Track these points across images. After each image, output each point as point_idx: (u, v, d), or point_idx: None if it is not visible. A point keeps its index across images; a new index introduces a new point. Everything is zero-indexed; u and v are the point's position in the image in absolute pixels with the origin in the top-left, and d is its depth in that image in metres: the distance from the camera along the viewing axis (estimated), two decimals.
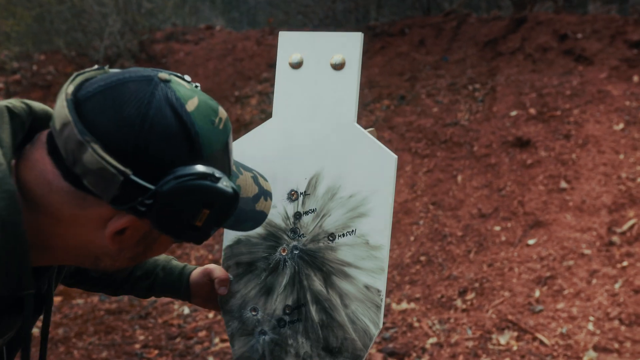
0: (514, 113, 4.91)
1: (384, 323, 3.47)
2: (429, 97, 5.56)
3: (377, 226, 1.21)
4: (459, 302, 3.52)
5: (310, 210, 1.28)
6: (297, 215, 1.29)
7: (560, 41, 5.50)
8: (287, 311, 1.28)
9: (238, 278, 1.33)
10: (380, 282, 1.19)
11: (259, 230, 1.32)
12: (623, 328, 3.15)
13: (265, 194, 1.05)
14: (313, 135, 1.30)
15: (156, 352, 3.35)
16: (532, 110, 4.81)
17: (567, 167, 4.26)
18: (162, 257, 1.42)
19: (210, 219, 0.89)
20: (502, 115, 4.96)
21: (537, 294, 3.46)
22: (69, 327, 3.62)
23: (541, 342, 3.11)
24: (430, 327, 3.34)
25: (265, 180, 1.08)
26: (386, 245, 1.20)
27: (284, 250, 1.29)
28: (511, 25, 5.89)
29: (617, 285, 3.39)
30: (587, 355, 3.01)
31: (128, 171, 0.81)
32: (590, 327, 3.20)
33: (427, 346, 3.21)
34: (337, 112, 1.28)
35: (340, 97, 1.27)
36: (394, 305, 3.55)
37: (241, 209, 1.00)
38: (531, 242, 3.87)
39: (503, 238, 3.96)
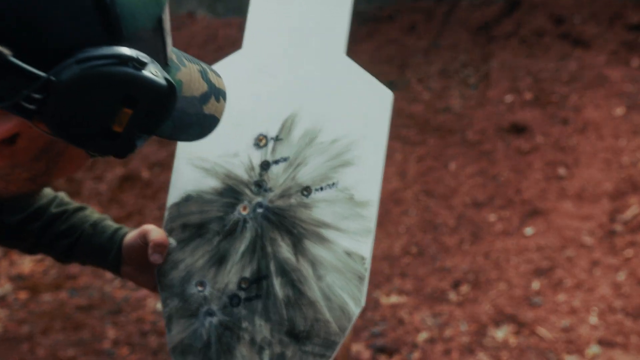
0: (509, 99, 4.86)
1: (374, 320, 3.22)
2: (420, 83, 5.49)
3: (365, 177, 0.97)
4: (452, 295, 3.33)
5: (282, 158, 1.04)
6: (265, 165, 1.04)
7: (557, 25, 5.49)
8: (243, 285, 1.01)
9: (183, 244, 1.07)
10: (366, 248, 0.95)
11: (215, 183, 1.06)
12: (628, 321, 2.96)
13: (217, 93, 0.82)
14: (291, 68, 1.07)
15: (127, 349, 3.09)
16: (528, 96, 4.77)
17: (565, 153, 4.17)
18: (96, 215, 1.15)
19: (134, 121, 0.67)
20: (496, 101, 4.92)
21: (535, 286, 3.27)
22: (35, 323, 3.33)
23: (541, 337, 2.88)
24: (422, 322, 3.11)
25: (218, 76, 0.84)
26: (375, 202, 0.96)
27: (244, 209, 1.04)
28: (505, 9, 5.87)
29: (620, 276, 3.23)
30: (590, 350, 2.78)
31: (6, 51, 0.59)
32: (593, 320, 3.01)
33: (419, 342, 2.97)
34: (323, 41, 1.06)
35: (328, 23, 1.06)
36: (383, 299, 3.32)
37: (183, 111, 0.76)
38: (529, 231, 3.72)
39: (499, 228, 3.80)
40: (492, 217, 3.84)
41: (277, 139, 1.07)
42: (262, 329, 1.01)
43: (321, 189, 1.02)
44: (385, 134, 1.02)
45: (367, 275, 0.97)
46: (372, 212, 0.98)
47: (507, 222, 3.78)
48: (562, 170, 4.14)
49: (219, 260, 1.06)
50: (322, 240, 1.00)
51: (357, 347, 2.94)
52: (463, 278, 3.42)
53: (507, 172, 4.16)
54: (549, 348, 2.86)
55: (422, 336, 3.04)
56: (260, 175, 1.07)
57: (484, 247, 3.66)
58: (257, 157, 1.08)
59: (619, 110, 4.49)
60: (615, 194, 3.77)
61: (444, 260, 3.63)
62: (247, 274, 1.04)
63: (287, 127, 1.07)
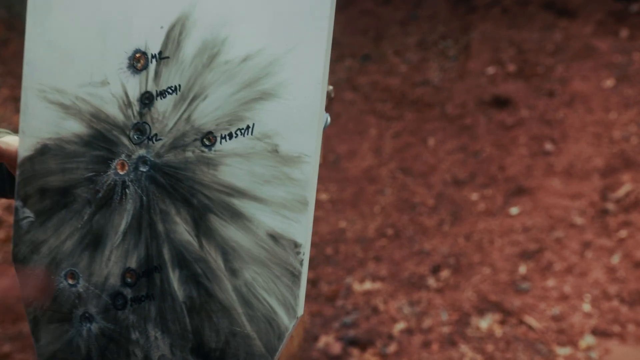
0: (490, 71, 4.57)
1: (345, 309, 2.97)
2: (397, 56, 5.17)
3: (296, 117, 0.62)
4: (431, 281, 3.10)
5: (170, 88, 0.68)
6: (146, 99, 0.69)
7: None
8: (129, 280, 0.69)
9: (43, 217, 0.74)
10: (300, 228, 0.62)
11: (79, 127, 0.72)
12: (624, 308, 2.76)
13: None
14: None
15: None
16: (511, 68, 4.49)
17: (552, 127, 3.91)
18: None
19: None
20: (477, 73, 4.64)
21: (522, 270, 3.04)
22: None
23: (529, 327, 2.66)
24: (398, 311, 2.88)
25: None
26: (313, 156, 0.62)
27: (122, 167, 0.70)
28: None
29: (614, 259, 3.01)
30: (584, 340, 2.57)
31: None
32: (586, 307, 2.79)
33: (395, 333, 2.75)
34: None
35: None
36: (355, 286, 3.10)
37: None
38: (514, 211, 3.47)
39: (481, 207, 3.57)
40: (473, 196, 3.61)
41: (161, 57, 0.71)
42: (159, 343, 0.71)
43: (230, 136, 0.67)
44: (326, 44, 0.66)
45: (303, 270, 0.64)
46: (308, 173, 0.64)
47: (490, 201, 3.52)
48: (548, 146, 3.83)
49: (93, 242, 0.74)
50: (234, 215, 0.67)
51: (326, 340, 2.69)
52: (443, 262, 3.20)
53: (490, 147, 3.87)
54: (539, 339, 2.63)
55: (399, 327, 2.82)
56: (141, 114, 0.71)
57: (466, 229, 3.44)
58: (134, 86, 0.72)
59: (609, 82, 4.16)
60: (607, 171, 3.50)
61: (422, 243, 3.41)
62: (133, 263, 0.72)
63: (174, 38, 0.70)
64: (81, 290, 0.75)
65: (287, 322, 0.66)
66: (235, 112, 0.68)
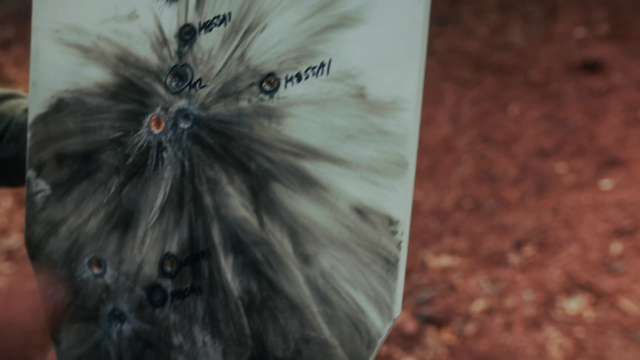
0: (579, 33, 4.33)
1: (421, 284, 2.79)
2: (476, 18, 4.97)
3: (391, 47, 0.46)
4: (514, 258, 2.91)
5: (218, 18, 0.53)
6: (187, 34, 0.54)
7: None
8: (169, 268, 0.55)
9: (61, 191, 0.60)
10: (397, 199, 0.46)
11: (102, 75, 0.57)
12: None
13: None
14: None
15: None
16: (603, 29, 4.22)
17: None
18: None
19: None
20: (564, 35, 4.41)
21: (616, 249, 2.83)
22: None
23: (624, 311, 2.46)
24: (477, 288, 2.69)
25: None
26: (414, 100, 0.45)
27: (157, 124, 0.55)
28: None
29: None
30: None
31: None
32: None
33: (474, 312, 2.56)
34: None
35: None
36: (431, 261, 2.91)
37: None
38: (606, 184, 3.26)
39: (570, 180, 3.37)
40: (561, 168, 3.39)
41: None
42: (209, 351, 0.56)
43: (298, 77, 0.51)
44: None
45: (402, 256, 0.48)
46: (407, 125, 0.48)
47: (579, 174, 3.29)
48: None
49: (123, 221, 0.59)
50: (306, 183, 0.51)
51: (401, 317, 2.52)
52: (527, 238, 3.01)
53: (579, 116, 3.63)
54: (634, 324, 2.41)
55: (478, 305, 2.62)
56: (180, 54, 0.56)
57: (552, 202, 3.21)
58: (170, 19, 0.56)
59: None
60: None
61: (503, 217, 3.22)
62: (174, 247, 0.57)
63: None
64: (109, 281, 0.61)
65: (379, 325, 0.50)
66: (305, 46, 0.51)
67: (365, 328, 0.51)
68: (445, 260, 2.88)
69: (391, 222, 0.49)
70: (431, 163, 3.57)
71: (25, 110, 0.74)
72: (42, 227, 0.64)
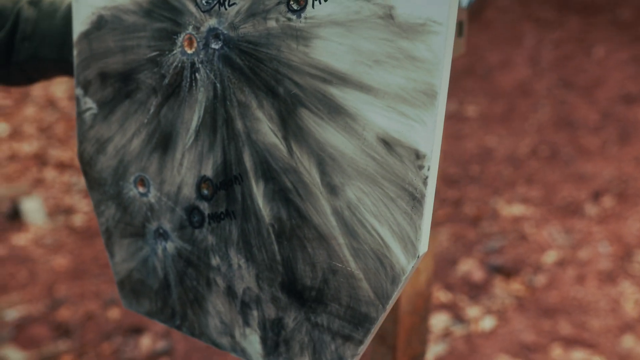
0: None
1: (491, 233, 2.70)
2: None
3: None
4: (590, 208, 2.72)
5: None
6: None
7: None
8: (205, 191, 0.56)
9: (106, 110, 0.61)
10: (424, 131, 0.43)
11: None
12: None
13: None
14: None
15: None
16: None
17: None
18: None
19: None
20: None
21: None
22: None
23: None
24: (550, 239, 2.57)
25: None
26: (447, 23, 0.41)
27: (189, 43, 0.54)
28: None
29: None
30: None
31: None
32: None
33: (546, 263, 2.46)
34: None
35: None
36: (503, 209, 2.80)
37: None
38: None
39: None
40: None
41: None
42: (244, 273, 0.58)
43: None
44: None
45: (428, 192, 0.47)
46: (437, 50, 0.44)
47: None
48: None
49: (163, 141, 0.60)
50: (333, 110, 0.49)
51: (469, 265, 2.41)
52: (605, 188, 2.75)
53: None
54: None
55: (550, 256, 2.45)
56: None
57: (635, 151, 2.95)
58: None
59: None
60: None
61: (581, 165, 2.96)
62: (209, 170, 0.58)
63: None
64: (153, 200, 0.63)
65: (403, 261, 0.49)
66: None
67: (389, 264, 0.50)
68: (517, 209, 2.76)
69: (418, 156, 0.47)
70: (506, 108, 3.36)
71: (30, 3, 0.71)
72: (92, 145, 0.66)
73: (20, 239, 2.90)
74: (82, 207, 3.15)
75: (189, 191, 0.60)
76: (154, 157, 0.62)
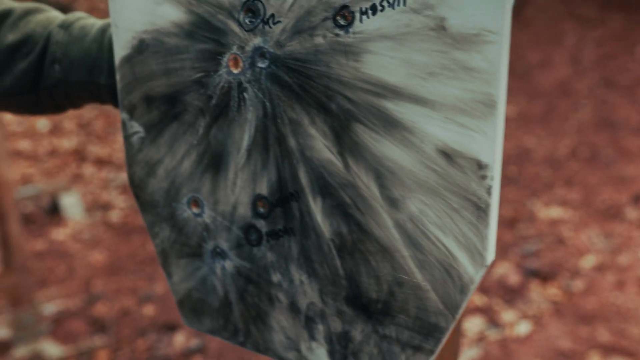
0: None
1: (527, 235, 2.66)
2: None
3: None
4: (631, 212, 2.67)
5: None
6: None
7: None
8: (261, 209, 0.56)
9: (154, 133, 0.62)
10: (485, 141, 0.43)
11: (176, 14, 0.57)
12: None
13: None
14: None
15: None
16: None
17: None
18: (61, 15, 0.75)
19: None
20: None
21: None
22: None
23: None
24: (589, 243, 2.51)
25: None
26: (502, 32, 0.41)
27: (235, 63, 0.55)
28: None
29: None
30: None
31: None
32: None
33: (584, 267, 2.40)
34: None
35: None
36: (540, 211, 2.75)
37: None
38: None
39: None
40: None
41: None
42: (306, 289, 0.58)
43: (373, 9, 0.48)
44: None
45: (493, 201, 0.47)
46: (494, 59, 0.44)
47: None
48: None
49: (214, 162, 0.61)
50: (388, 124, 0.50)
51: (505, 268, 2.37)
52: None
53: None
54: None
55: (589, 261, 2.39)
56: None
57: None
58: None
59: None
60: None
61: (622, 168, 2.88)
62: (264, 189, 0.58)
63: None
64: (208, 220, 0.64)
65: (471, 271, 0.49)
66: None
67: (457, 274, 0.50)
68: (555, 212, 2.72)
69: (480, 166, 0.47)
70: (546, 108, 3.29)
71: (62, 27, 0.71)
72: (142, 168, 0.67)
73: (59, 234, 2.96)
74: (119, 204, 3.20)
75: (244, 210, 0.61)
76: (206, 177, 0.63)
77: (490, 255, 0.49)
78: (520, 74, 3.60)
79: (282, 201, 0.58)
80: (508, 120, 3.28)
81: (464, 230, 0.49)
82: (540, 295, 2.26)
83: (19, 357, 2.15)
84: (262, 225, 0.60)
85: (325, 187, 0.55)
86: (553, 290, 2.27)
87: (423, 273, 0.52)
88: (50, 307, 2.42)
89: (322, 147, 0.54)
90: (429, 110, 0.48)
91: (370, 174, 0.52)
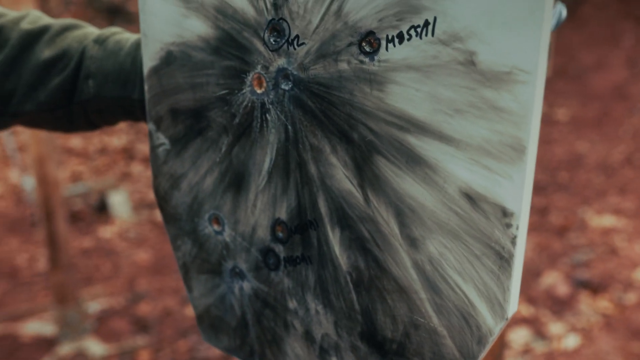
0: None
1: (578, 244, 2.55)
2: None
3: (507, 3, 0.38)
4: None
5: None
6: None
7: None
8: (280, 234, 0.55)
9: (179, 146, 0.61)
10: (511, 188, 0.40)
11: (203, 29, 0.55)
12: None
13: None
14: None
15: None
16: None
17: None
18: (97, 30, 0.74)
19: None
20: None
21: None
22: None
23: None
24: None
25: None
26: (535, 72, 0.37)
27: (259, 83, 0.53)
28: None
29: None
30: None
31: None
32: None
33: (637, 280, 2.28)
34: None
35: None
36: (592, 219, 2.62)
37: None
38: None
39: None
40: None
41: None
42: (321, 319, 0.56)
43: (400, 38, 0.45)
44: None
45: (517, 252, 0.43)
46: (525, 101, 0.41)
47: None
48: None
49: (235, 181, 0.59)
50: (411, 160, 0.47)
51: (553, 278, 2.25)
52: None
53: None
54: None
55: None
56: (276, 6, 0.52)
57: None
58: None
59: None
60: None
61: None
62: (283, 213, 0.56)
63: None
64: (228, 239, 0.62)
65: (490, 322, 0.46)
66: (407, 1, 0.45)
67: (475, 323, 0.47)
68: (608, 220, 2.57)
69: (505, 213, 0.44)
70: (600, 112, 3.14)
71: (96, 42, 0.70)
72: (167, 180, 0.66)
73: (107, 232, 3.00)
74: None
75: (263, 233, 0.59)
76: (227, 196, 0.61)
77: (512, 307, 0.46)
78: (573, 76, 3.46)
79: (300, 228, 0.56)
80: (560, 124, 3.16)
81: (485, 278, 0.46)
82: (590, 307, 2.16)
83: (63, 354, 2.20)
84: (280, 250, 0.58)
85: (344, 219, 0.53)
86: (604, 303, 2.18)
87: (440, 318, 0.49)
88: (94, 305, 2.45)
89: (343, 177, 0.52)
90: (453, 149, 0.45)
91: (391, 210, 0.50)
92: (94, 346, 2.24)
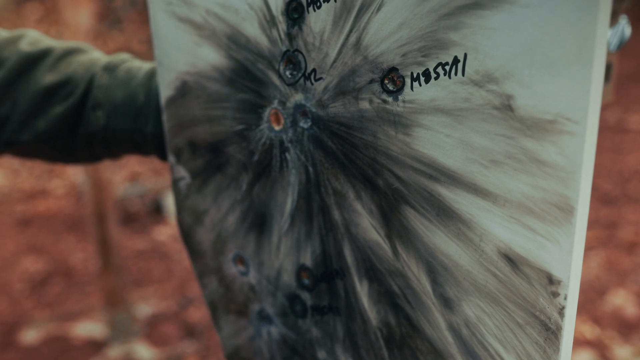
0: None
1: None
2: None
3: (550, 40, 0.31)
4: None
5: None
6: (294, 10, 0.44)
7: None
8: (306, 281, 0.50)
9: (199, 181, 0.57)
10: (558, 253, 0.33)
11: (216, 58, 0.50)
12: None
13: None
14: None
15: None
16: None
17: None
18: (105, 56, 0.69)
19: None
20: None
21: None
22: None
23: None
24: None
25: None
26: (585, 120, 0.31)
27: (276, 120, 0.48)
28: None
29: None
30: None
31: None
32: None
33: None
34: None
35: None
36: None
37: None
38: None
39: None
40: None
41: None
42: None
43: (426, 76, 0.40)
44: None
45: (566, 324, 0.37)
46: (573, 155, 0.34)
47: None
48: None
49: (258, 222, 0.55)
50: (443, 213, 0.41)
51: (621, 297, 2.07)
52: None
53: None
54: None
55: None
56: (290, 37, 0.46)
57: None
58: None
59: None
60: None
61: None
62: (308, 260, 0.51)
63: None
64: (253, 281, 0.58)
65: None
66: (432, 33, 0.39)
67: None
68: None
69: (551, 280, 0.38)
70: None
71: (106, 69, 0.65)
72: (189, 215, 0.62)
73: (161, 234, 2.99)
74: None
75: (288, 278, 0.54)
76: (250, 236, 0.56)
77: None
78: None
79: (326, 276, 0.51)
80: (633, 132, 2.95)
81: (529, 350, 0.40)
82: None
83: (112, 356, 2.20)
84: (307, 297, 0.54)
85: (372, 271, 0.47)
86: None
87: None
88: (145, 309, 2.44)
89: (369, 226, 0.46)
90: (490, 204, 0.39)
91: (422, 267, 0.44)
92: (142, 350, 2.23)
